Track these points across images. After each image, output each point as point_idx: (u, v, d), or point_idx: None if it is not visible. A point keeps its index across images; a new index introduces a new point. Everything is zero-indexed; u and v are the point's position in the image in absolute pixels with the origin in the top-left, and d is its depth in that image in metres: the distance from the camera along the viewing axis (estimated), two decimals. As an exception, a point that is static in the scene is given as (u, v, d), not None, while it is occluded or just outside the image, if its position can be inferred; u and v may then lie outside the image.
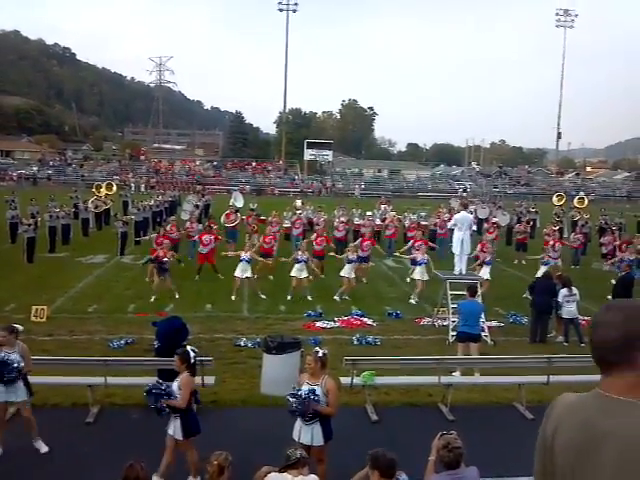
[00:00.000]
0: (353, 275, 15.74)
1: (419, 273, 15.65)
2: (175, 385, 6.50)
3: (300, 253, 15.74)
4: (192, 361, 6.70)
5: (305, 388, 6.23)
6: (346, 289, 15.69)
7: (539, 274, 16.20)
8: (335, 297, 15.50)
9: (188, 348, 6.80)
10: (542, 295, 12.82)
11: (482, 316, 12.57)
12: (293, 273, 15.51)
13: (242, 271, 15.29)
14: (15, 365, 6.98)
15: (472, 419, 8.55)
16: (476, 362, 10.22)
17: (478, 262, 16.15)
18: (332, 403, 6.26)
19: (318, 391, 6.21)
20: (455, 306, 12.30)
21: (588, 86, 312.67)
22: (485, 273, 15.82)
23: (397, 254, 18.42)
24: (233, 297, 15.34)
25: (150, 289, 15.56)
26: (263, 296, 15.53)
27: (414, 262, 16.27)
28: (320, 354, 6.41)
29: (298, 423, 6.33)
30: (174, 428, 6.50)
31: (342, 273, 15.71)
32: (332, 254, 17.61)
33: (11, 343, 7.12)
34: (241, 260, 15.36)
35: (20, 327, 7.63)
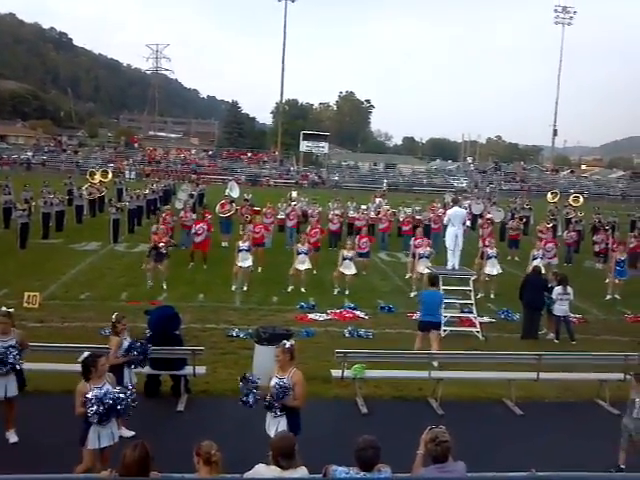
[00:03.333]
0: (354, 270, 15.70)
1: (422, 266, 15.49)
2: None
3: (300, 245, 15.85)
4: None
5: (273, 382, 6.17)
6: (342, 281, 15.68)
7: (530, 269, 16.23)
8: (341, 291, 15.57)
9: None
10: (532, 291, 12.81)
11: (475, 306, 12.67)
12: (296, 265, 15.52)
13: (243, 260, 15.25)
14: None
15: (461, 414, 8.60)
16: (466, 357, 10.27)
17: (486, 257, 16.18)
18: (299, 396, 6.19)
19: (286, 383, 6.12)
20: (448, 301, 12.38)
21: (585, 84, 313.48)
22: (493, 268, 15.98)
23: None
24: (234, 287, 15.32)
25: (144, 276, 15.53)
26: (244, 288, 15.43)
27: (420, 256, 16.14)
28: (287, 345, 6.34)
29: (268, 416, 6.28)
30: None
31: (343, 270, 15.58)
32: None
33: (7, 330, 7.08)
34: (240, 250, 15.30)
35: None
